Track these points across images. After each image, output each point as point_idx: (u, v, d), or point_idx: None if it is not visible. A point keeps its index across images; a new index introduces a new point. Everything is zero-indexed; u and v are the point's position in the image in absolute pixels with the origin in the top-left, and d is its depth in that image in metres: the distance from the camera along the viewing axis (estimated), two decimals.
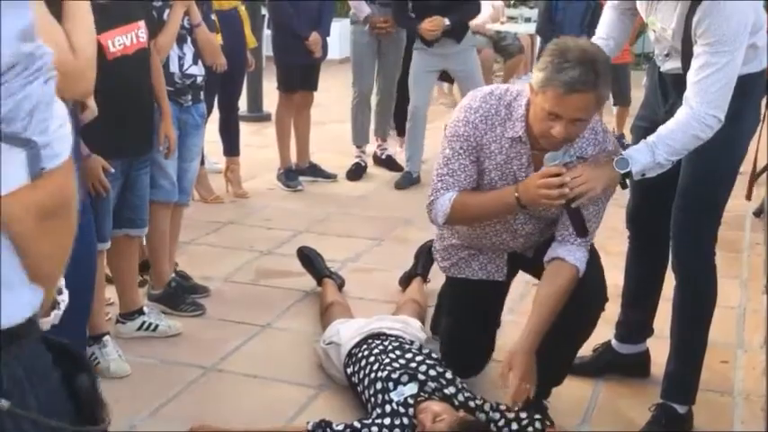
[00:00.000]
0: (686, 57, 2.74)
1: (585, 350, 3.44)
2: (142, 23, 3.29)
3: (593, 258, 2.91)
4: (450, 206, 2.80)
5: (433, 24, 5.75)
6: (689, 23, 2.68)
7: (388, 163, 6.47)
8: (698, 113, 2.63)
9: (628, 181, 2.80)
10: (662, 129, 2.71)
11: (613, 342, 3.43)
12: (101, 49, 3.03)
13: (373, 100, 6.41)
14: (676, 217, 2.94)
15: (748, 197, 3.57)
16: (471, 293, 3.13)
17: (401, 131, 6.55)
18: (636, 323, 3.38)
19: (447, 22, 5.72)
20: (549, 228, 2.94)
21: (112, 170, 3.18)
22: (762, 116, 3.07)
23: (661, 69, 2.98)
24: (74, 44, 2.05)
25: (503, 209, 2.80)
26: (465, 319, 3.17)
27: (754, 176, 3.54)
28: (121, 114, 3.19)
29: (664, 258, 3.19)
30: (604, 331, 3.40)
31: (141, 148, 3.41)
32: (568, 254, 2.79)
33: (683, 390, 3.04)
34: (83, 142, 3.00)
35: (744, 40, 2.64)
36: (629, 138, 6.86)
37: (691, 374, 3.04)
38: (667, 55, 2.90)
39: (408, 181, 6.11)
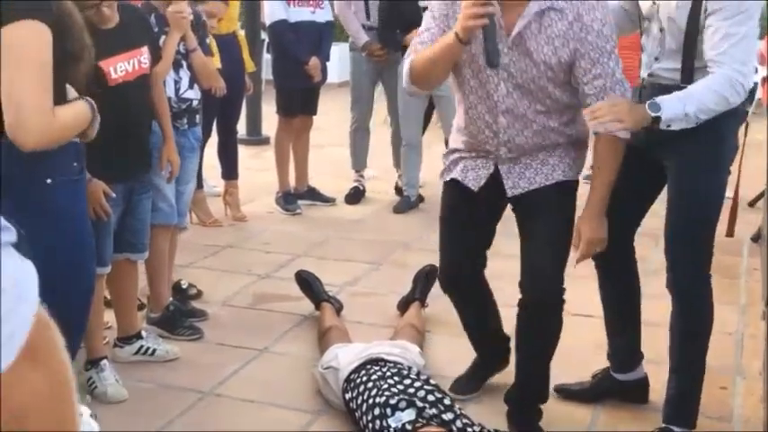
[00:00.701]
0: (690, 38, 2.80)
1: (584, 376, 3.44)
2: (145, 49, 3.31)
3: (547, 248, 2.97)
4: (409, 64, 2.92)
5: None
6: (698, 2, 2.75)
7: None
8: (730, 76, 2.68)
9: None
10: (692, 87, 2.76)
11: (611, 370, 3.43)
12: (102, 76, 3.06)
13: (387, 131, 6.43)
14: (671, 243, 2.97)
15: (730, 233, 3.57)
16: (451, 194, 3.17)
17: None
18: (624, 350, 3.38)
19: None
20: (529, 120, 2.91)
21: (113, 195, 3.19)
22: (741, 144, 3.12)
23: (644, 74, 3.01)
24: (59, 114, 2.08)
25: (447, 49, 2.80)
26: (448, 219, 3.22)
27: (735, 213, 3.55)
28: (122, 139, 3.20)
29: (632, 280, 3.25)
30: (602, 358, 3.40)
31: (140, 172, 3.42)
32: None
33: (684, 413, 3.05)
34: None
35: (756, 8, 2.75)
36: None
37: (691, 398, 3.05)
38: (657, 59, 2.95)
39: (407, 205, 6.12)
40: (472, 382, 3.47)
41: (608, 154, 2.88)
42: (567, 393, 3.39)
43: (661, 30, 2.90)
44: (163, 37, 3.72)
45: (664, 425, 3.05)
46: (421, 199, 6.24)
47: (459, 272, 3.25)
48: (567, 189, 3.04)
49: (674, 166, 2.94)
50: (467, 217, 3.16)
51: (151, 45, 3.40)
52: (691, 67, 2.84)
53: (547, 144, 2.98)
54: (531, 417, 3.16)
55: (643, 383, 3.39)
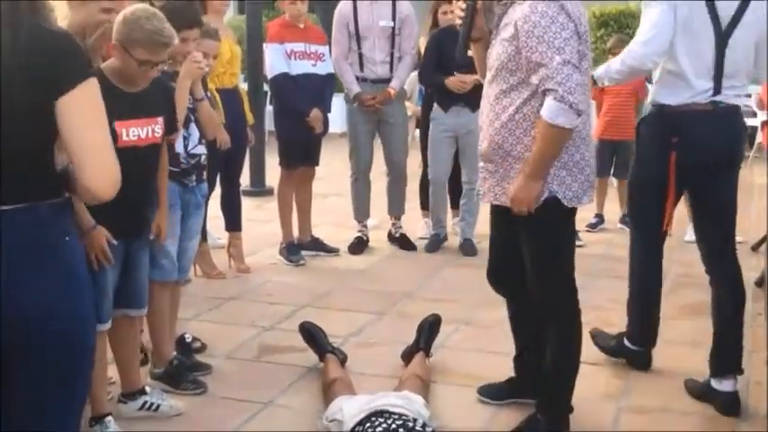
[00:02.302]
0: None
1: (594, 425, 3.42)
2: (161, 119, 3.34)
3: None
4: None
5: (464, 78, 5.88)
6: None
7: (402, 242, 6.51)
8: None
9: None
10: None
11: None
12: (112, 135, 3.10)
13: (380, 180, 6.49)
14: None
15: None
16: None
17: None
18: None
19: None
20: (497, 113, 3.21)
21: (115, 242, 3.19)
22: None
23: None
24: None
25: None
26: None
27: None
28: (122, 200, 3.23)
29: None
30: (611, 406, 3.38)
31: (140, 230, 3.44)
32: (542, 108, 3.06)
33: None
34: (88, 215, 3.06)
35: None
36: None
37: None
38: None
39: (437, 243, 6.44)
40: (500, 392, 3.73)
41: (539, 133, 3.08)
42: None
43: None
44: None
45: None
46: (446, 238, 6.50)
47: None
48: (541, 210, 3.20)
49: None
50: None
51: (168, 116, 3.43)
52: None
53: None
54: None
55: None
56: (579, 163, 3.19)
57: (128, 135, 3.19)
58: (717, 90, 3.57)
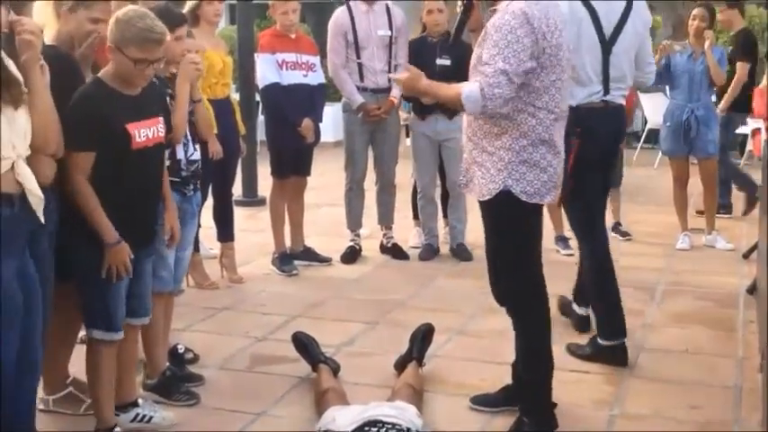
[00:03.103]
0: None
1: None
2: (161, 119, 3.39)
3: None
4: None
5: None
6: None
7: (395, 251, 6.49)
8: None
9: None
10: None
11: None
12: (128, 139, 3.15)
13: (373, 189, 6.50)
14: None
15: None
16: None
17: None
18: None
19: None
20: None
21: (132, 256, 3.25)
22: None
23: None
24: None
25: None
26: None
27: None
28: (141, 205, 3.33)
29: None
30: (603, 414, 3.38)
31: (151, 238, 3.47)
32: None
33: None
34: (113, 229, 3.15)
35: None
36: (625, 225, 7.03)
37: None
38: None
39: (431, 252, 6.45)
40: (495, 400, 3.76)
41: (451, 88, 3.32)
42: None
43: None
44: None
45: None
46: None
47: None
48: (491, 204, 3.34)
49: None
50: None
51: (165, 116, 3.50)
52: None
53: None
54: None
55: None
56: (539, 162, 3.28)
57: (140, 136, 3.23)
58: (606, 91, 4.22)
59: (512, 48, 3.12)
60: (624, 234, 6.99)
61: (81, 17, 3.35)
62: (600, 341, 4.26)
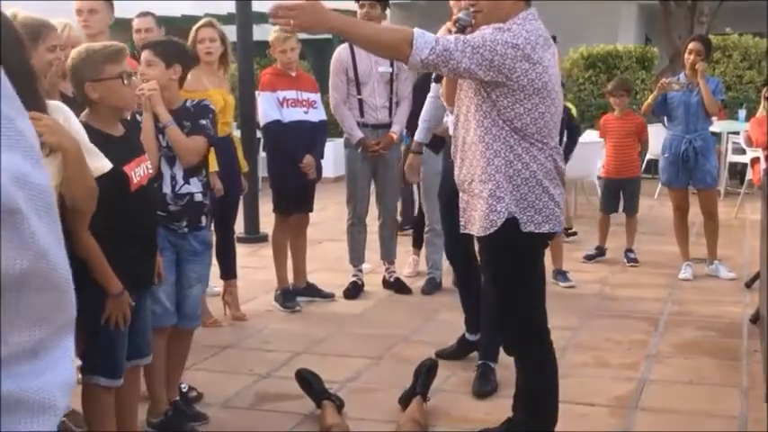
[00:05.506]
0: None
1: None
2: (146, 156, 3.41)
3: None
4: None
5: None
6: None
7: (398, 286, 6.50)
8: None
9: None
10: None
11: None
12: (126, 181, 3.15)
13: (375, 225, 6.52)
14: None
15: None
16: None
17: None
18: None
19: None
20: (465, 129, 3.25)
21: (133, 303, 3.20)
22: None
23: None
24: None
25: None
26: None
27: None
28: (144, 245, 3.32)
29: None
30: None
31: (149, 279, 3.46)
32: None
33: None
34: (116, 279, 3.09)
35: None
36: (636, 248, 7.02)
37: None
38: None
39: (434, 286, 6.44)
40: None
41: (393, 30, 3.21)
42: None
43: None
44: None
45: None
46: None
47: None
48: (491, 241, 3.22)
49: None
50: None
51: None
52: None
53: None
54: None
55: None
56: (541, 196, 3.13)
57: (135, 177, 3.23)
58: None
59: (490, 47, 3.00)
60: (633, 261, 7.07)
61: (40, 51, 3.30)
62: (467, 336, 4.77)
